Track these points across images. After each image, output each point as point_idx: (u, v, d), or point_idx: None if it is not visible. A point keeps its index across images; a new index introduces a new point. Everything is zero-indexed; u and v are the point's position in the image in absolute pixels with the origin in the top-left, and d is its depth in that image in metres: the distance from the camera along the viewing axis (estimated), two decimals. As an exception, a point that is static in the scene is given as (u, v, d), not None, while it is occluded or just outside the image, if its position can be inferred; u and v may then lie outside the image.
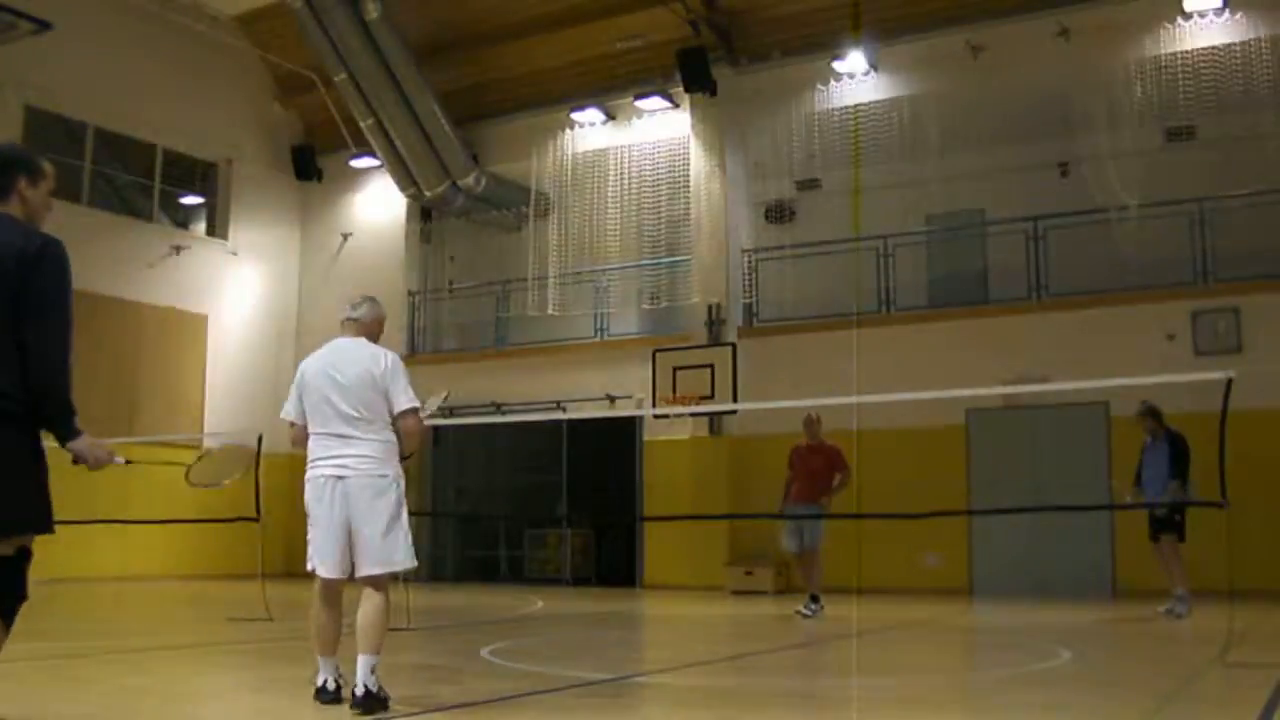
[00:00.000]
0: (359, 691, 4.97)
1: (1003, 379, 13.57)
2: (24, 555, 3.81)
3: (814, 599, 11.20)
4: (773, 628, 10.84)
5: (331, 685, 5.26)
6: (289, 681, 6.65)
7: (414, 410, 5.33)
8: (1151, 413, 10.92)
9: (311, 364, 5.49)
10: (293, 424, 5.53)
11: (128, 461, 4.24)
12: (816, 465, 11.42)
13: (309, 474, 5.36)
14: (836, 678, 7.39)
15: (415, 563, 5.37)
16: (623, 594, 16.03)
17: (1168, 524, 10.71)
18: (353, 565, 5.27)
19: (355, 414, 5.26)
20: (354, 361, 5.34)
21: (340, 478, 5.23)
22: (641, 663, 8.33)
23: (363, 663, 5.03)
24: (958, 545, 15.03)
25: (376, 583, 5.24)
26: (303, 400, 5.47)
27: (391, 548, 5.23)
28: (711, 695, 6.31)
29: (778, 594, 14.96)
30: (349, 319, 5.51)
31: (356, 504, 5.21)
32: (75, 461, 3.89)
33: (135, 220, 19.16)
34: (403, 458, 5.41)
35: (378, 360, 5.33)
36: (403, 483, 5.35)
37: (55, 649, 7.97)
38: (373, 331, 5.51)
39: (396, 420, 5.32)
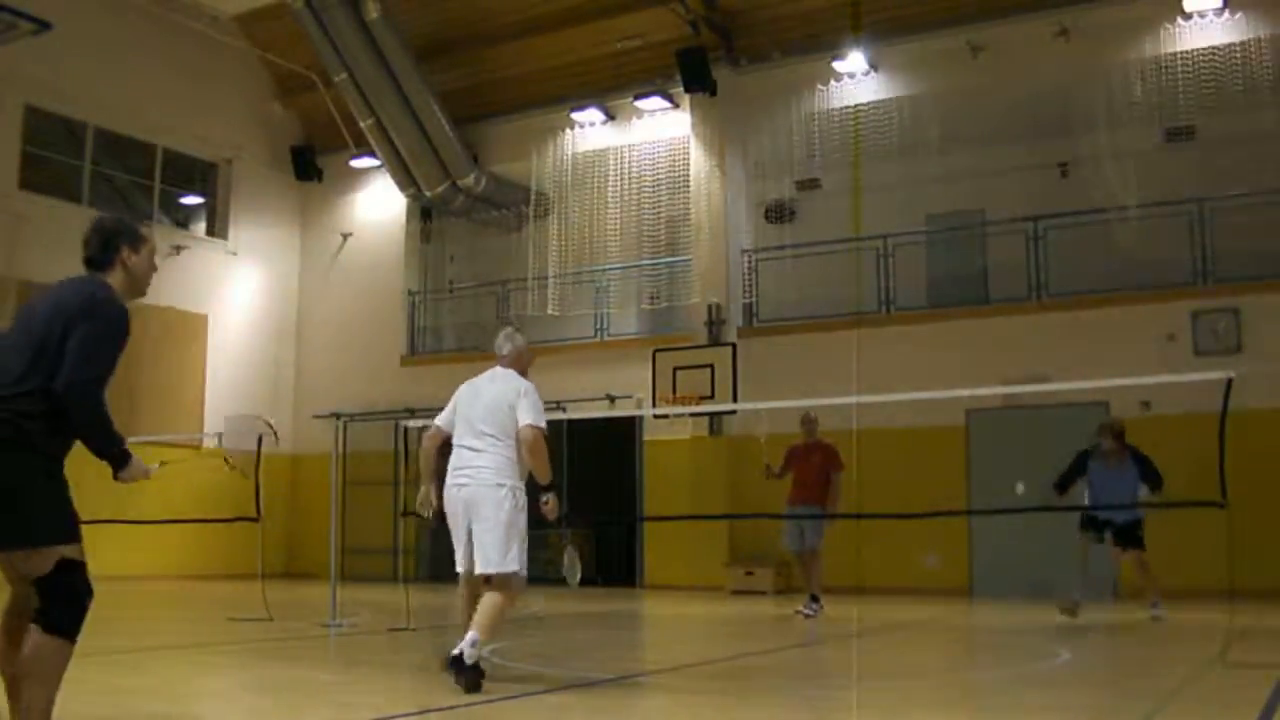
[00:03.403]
0: (454, 653, 5.62)
1: (1003, 379, 13.56)
2: (64, 568, 3.92)
3: (814, 599, 11.20)
4: (773, 628, 10.84)
5: (458, 652, 5.66)
6: (289, 681, 6.66)
7: (532, 425, 5.93)
8: (1117, 433, 10.65)
9: (467, 385, 6.32)
10: (437, 429, 6.32)
11: (162, 463, 4.57)
12: (814, 463, 11.43)
13: (447, 482, 6.09)
14: (836, 678, 7.40)
15: (520, 570, 5.88)
16: (623, 594, 16.03)
17: (1136, 539, 10.56)
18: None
19: (485, 430, 6.00)
20: (496, 382, 6.18)
21: (464, 485, 5.97)
22: (641, 663, 8.32)
23: (468, 636, 5.64)
24: (958, 545, 15.02)
25: (494, 583, 5.83)
26: (455, 414, 6.24)
27: (498, 552, 5.81)
28: (711, 695, 6.31)
29: (778, 594, 14.96)
30: (500, 356, 6.35)
31: (473, 509, 5.90)
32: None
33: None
34: (544, 487, 6.00)
35: (513, 389, 6.08)
36: (521, 496, 5.93)
37: (55, 649, 7.95)
38: (520, 364, 6.35)
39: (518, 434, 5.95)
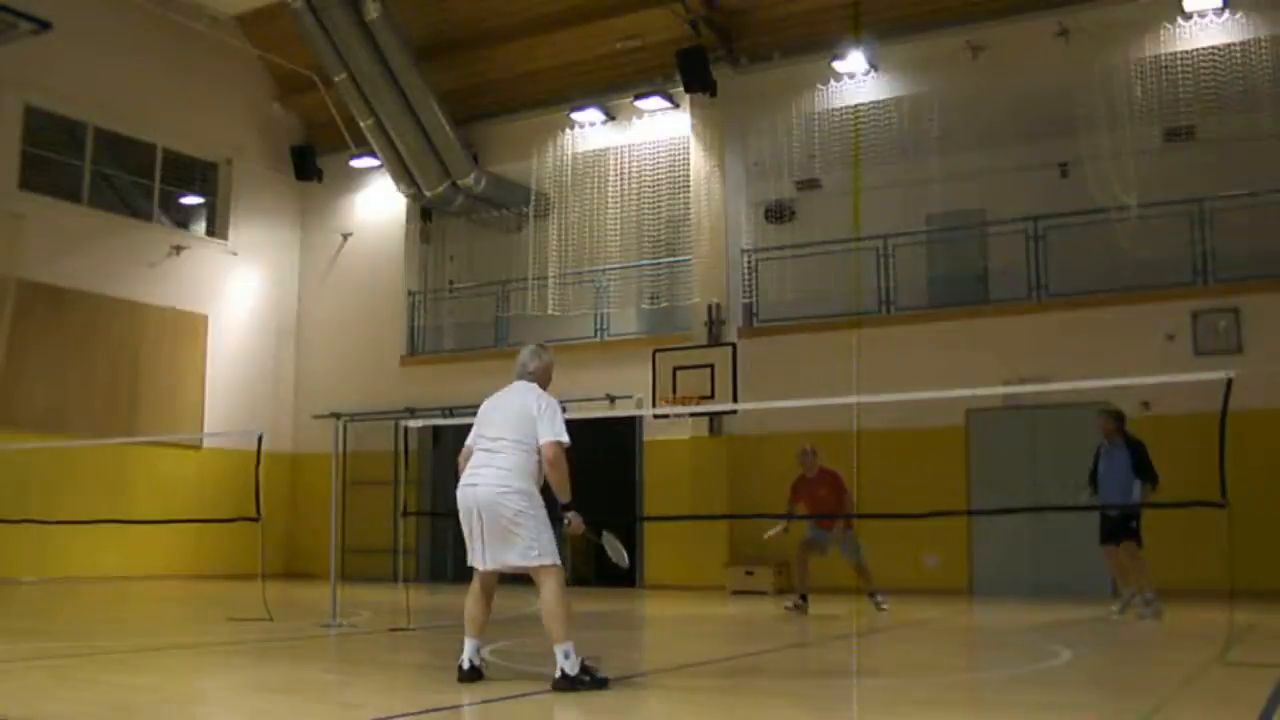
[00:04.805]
0: (556, 675, 5.72)
1: (1003, 379, 13.57)
2: None
3: (872, 595, 11.74)
4: (773, 628, 10.84)
5: (466, 665, 5.93)
6: (289, 681, 6.66)
7: (554, 442, 5.95)
8: (1115, 415, 10.83)
9: (488, 400, 6.36)
10: (467, 448, 6.29)
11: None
12: (823, 495, 11.52)
13: (460, 482, 6.13)
14: (836, 678, 7.39)
15: (554, 560, 5.90)
16: (623, 594, 16.02)
17: (1127, 530, 10.62)
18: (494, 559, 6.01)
19: (502, 435, 6.05)
20: (516, 394, 6.23)
21: (475, 486, 6.00)
22: (641, 663, 8.32)
23: (556, 653, 5.74)
24: (958, 545, 15.03)
25: (535, 578, 5.89)
26: (477, 427, 6.29)
27: (529, 546, 5.86)
28: (711, 695, 6.31)
29: (778, 594, 14.95)
30: (526, 373, 6.32)
31: (486, 509, 5.94)
32: None
33: (135, 220, 19.15)
34: (564, 506, 6.05)
35: (533, 400, 6.11)
36: (536, 497, 5.99)
37: (55, 649, 7.97)
38: (543, 379, 6.34)
39: (540, 450, 5.98)
